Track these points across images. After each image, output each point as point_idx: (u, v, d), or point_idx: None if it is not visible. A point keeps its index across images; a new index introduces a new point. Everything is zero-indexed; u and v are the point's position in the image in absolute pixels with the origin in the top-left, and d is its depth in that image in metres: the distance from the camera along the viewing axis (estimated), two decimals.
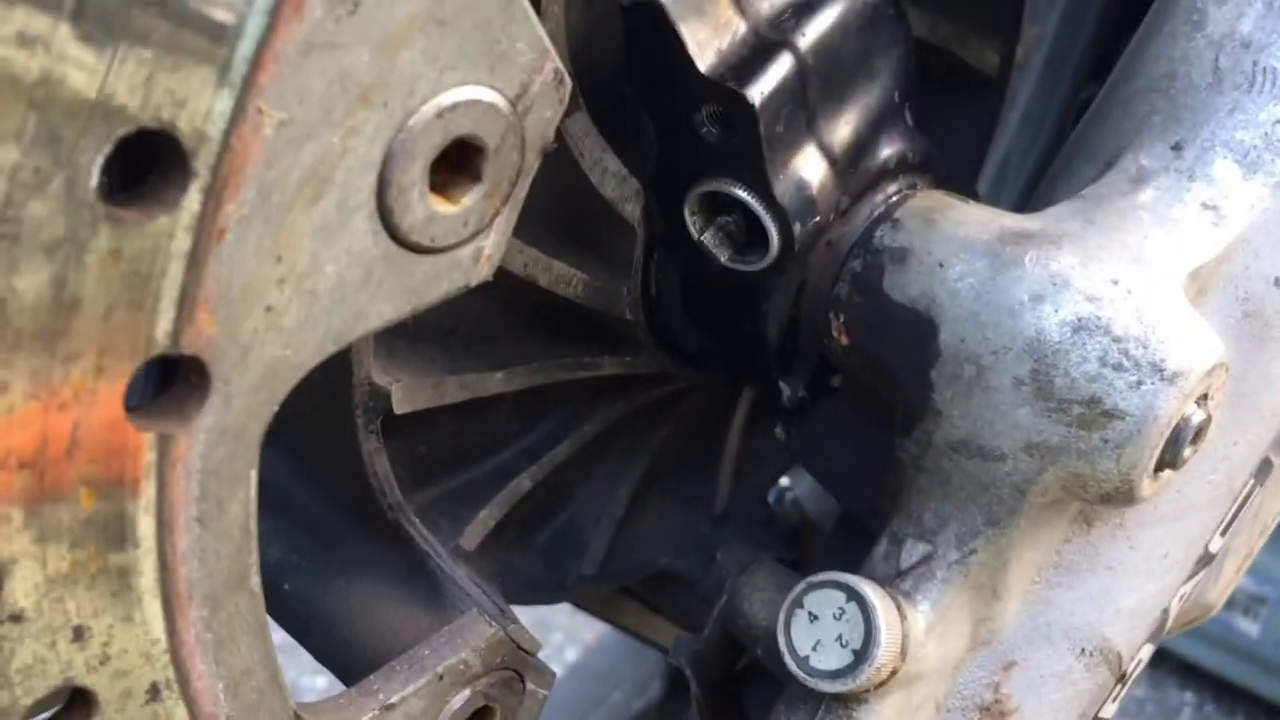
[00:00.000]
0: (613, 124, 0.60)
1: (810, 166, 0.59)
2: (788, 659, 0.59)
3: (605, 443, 0.78)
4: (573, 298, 0.66)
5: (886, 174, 0.63)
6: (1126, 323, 0.55)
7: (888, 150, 0.63)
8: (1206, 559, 0.66)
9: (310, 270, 0.40)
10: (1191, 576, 0.65)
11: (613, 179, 0.61)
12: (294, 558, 0.66)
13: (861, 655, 0.57)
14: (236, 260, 0.38)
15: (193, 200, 0.36)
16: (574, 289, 0.65)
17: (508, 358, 0.68)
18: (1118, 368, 0.55)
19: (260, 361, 0.41)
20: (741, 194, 0.58)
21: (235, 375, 0.40)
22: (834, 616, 0.58)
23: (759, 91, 0.55)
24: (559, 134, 0.59)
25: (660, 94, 0.58)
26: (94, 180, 0.35)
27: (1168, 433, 0.55)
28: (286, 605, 0.65)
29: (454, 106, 0.41)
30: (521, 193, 0.46)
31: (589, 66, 0.59)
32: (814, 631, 0.59)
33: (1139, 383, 0.54)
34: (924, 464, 0.60)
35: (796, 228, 0.58)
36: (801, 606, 0.59)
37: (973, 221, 0.60)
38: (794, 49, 0.57)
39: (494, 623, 0.61)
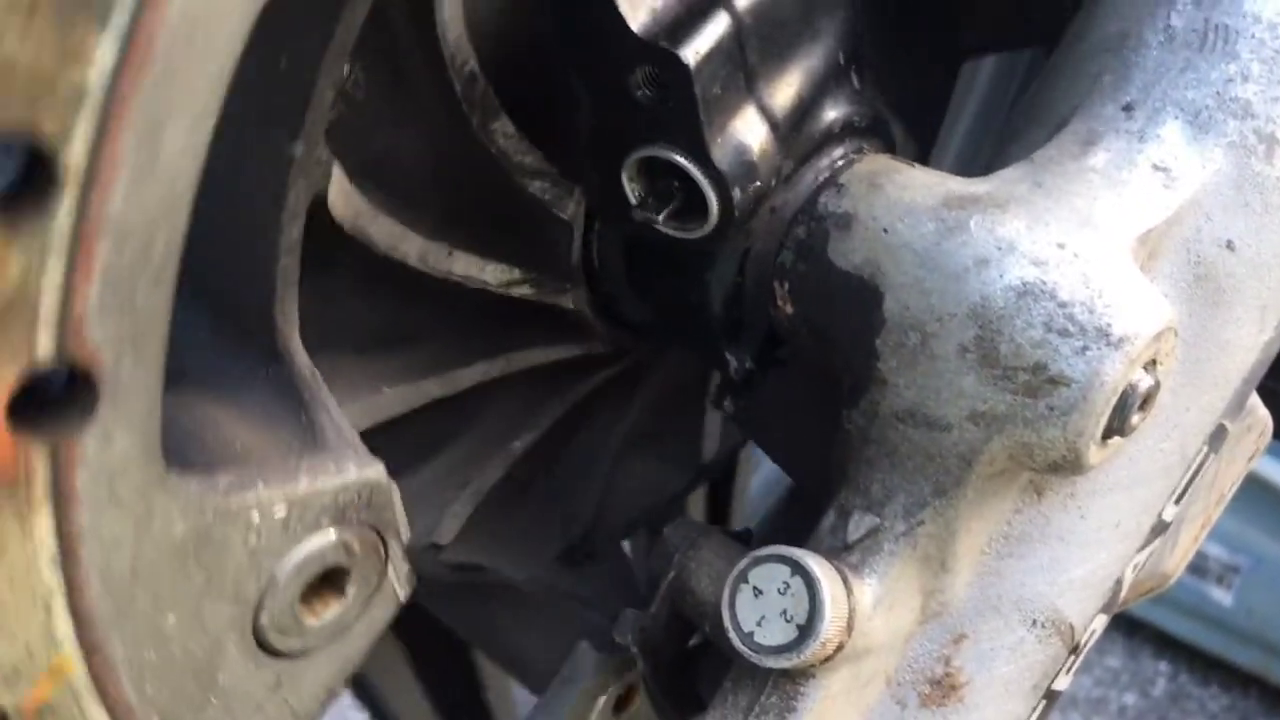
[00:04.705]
0: (536, 105, 0.59)
1: (750, 130, 0.57)
2: (732, 635, 0.57)
3: (578, 418, 0.77)
4: (514, 294, 0.64)
5: (831, 138, 0.62)
6: (1072, 287, 0.54)
7: (832, 113, 0.62)
8: (1160, 528, 0.65)
9: None
10: (1145, 546, 0.64)
11: (541, 178, 0.60)
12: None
13: (806, 630, 0.56)
14: None
15: None
16: (513, 286, 0.64)
17: (451, 359, 0.67)
18: (1063, 333, 0.53)
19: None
20: (678, 159, 0.56)
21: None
22: (779, 591, 0.57)
23: (694, 52, 0.53)
24: (481, 144, 0.58)
25: (592, 57, 0.56)
26: None
27: (1114, 399, 0.54)
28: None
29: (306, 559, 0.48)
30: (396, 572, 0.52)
31: (500, 52, 0.57)
32: (759, 607, 0.57)
33: (1085, 348, 0.53)
34: (870, 435, 0.58)
35: (736, 193, 0.57)
36: (746, 581, 0.58)
37: (918, 186, 0.59)
38: (731, 8, 0.55)
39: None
